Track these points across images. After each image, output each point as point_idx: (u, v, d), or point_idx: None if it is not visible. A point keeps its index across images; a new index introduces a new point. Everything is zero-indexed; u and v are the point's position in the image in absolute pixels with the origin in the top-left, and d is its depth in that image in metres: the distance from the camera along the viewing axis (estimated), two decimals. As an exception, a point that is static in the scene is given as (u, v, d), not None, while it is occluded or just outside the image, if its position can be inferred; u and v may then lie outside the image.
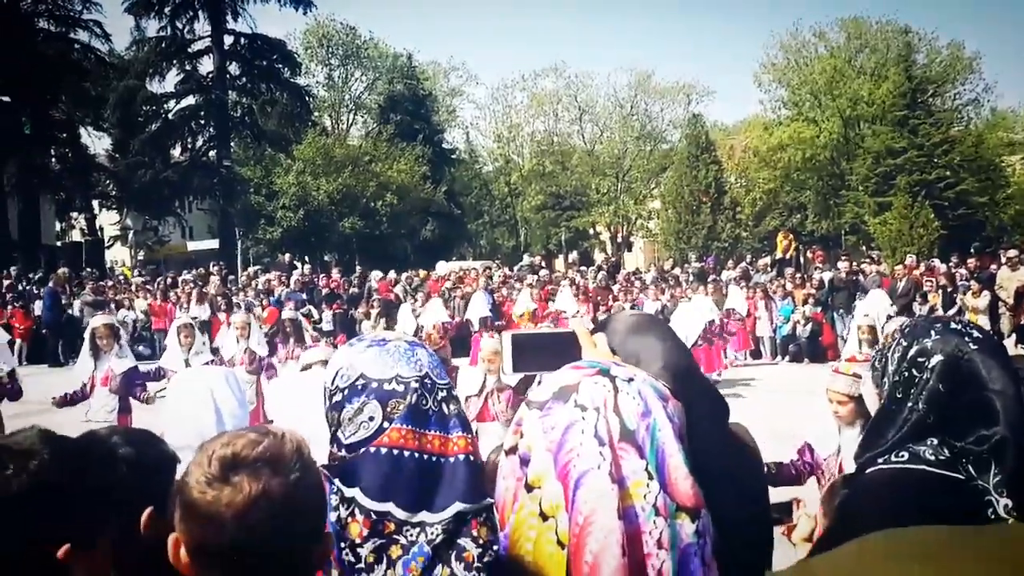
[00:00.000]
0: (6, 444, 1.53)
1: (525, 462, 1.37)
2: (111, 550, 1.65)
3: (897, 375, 1.87)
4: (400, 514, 1.64)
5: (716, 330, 16.15)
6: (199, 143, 38.85)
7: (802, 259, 30.87)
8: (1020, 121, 44.99)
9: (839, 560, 1.07)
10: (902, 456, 1.81)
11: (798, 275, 21.86)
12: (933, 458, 1.78)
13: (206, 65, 38.27)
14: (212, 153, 38.23)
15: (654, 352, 1.79)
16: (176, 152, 38.92)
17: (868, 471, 1.85)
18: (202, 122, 38.55)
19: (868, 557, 1.03)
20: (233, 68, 38.80)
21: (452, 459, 1.69)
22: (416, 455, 1.68)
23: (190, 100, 38.35)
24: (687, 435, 1.62)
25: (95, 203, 38.39)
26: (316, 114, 43.34)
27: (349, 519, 1.63)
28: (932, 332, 1.86)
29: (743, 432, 1.97)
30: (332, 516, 1.63)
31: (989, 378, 1.78)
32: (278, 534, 1.33)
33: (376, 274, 24.90)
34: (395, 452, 1.67)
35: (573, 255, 34.42)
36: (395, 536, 1.63)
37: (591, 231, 46.80)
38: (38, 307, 20.97)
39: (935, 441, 1.79)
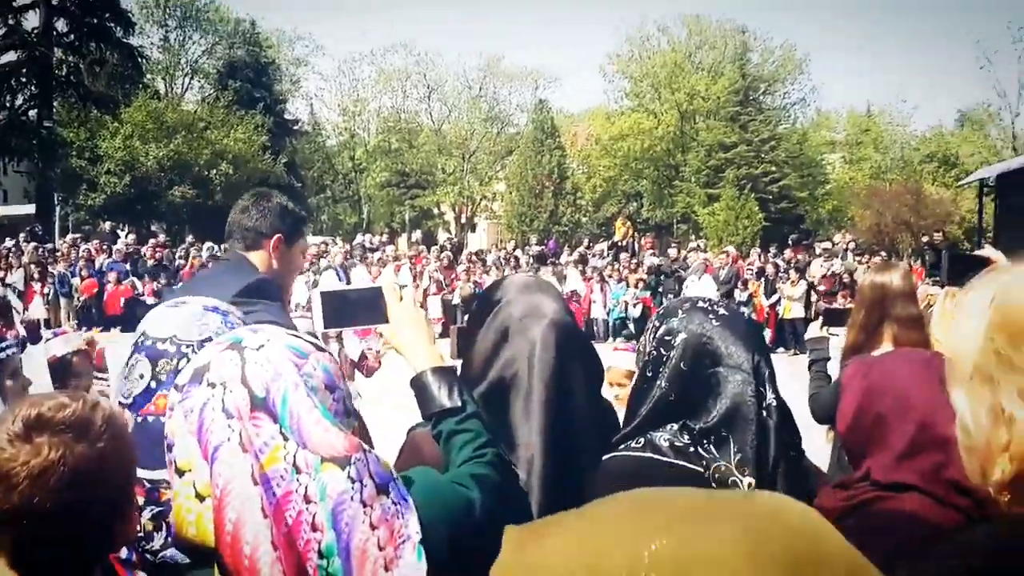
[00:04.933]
0: None
1: (171, 448, 1.36)
2: None
3: (647, 355, 1.87)
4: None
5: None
6: (19, 102, 36.15)
7: (636, 246, 31.96)
8: (842, 122, 48.09)
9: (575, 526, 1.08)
10: (639, 443, 1.80)
11: (632, 260, 22.58)
12: (667, 445, 1.76)
13: (31, 20, 35.70)
14: (32, 113, 35.64)
15: (549, 307, 1.91)
16: (-7, 110, 36.12)
17: (605, 458, 1.84)
18: (23, 80, 35.91)
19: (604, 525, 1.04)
20: (60, 24, 36.30)
21: None
22: None
23: (11, 56, 35.61)
24: (570, 382, 1.83)
25: None
26: (149, 76, 41.14)
27: None
28: (680, 311, 1.86)
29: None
30: None
31: (726, 354, 1.78)
32: (74, 503, 1.30)
33: (210, 246, 23.88)
34: (163, 419, 1.62)
35: (417, 234, 34.29)
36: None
37: (436, 211, 46.70)
38: None
39: (675, 426, 1.78)
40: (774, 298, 18.74)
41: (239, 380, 1.33)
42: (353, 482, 1.31)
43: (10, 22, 35.49)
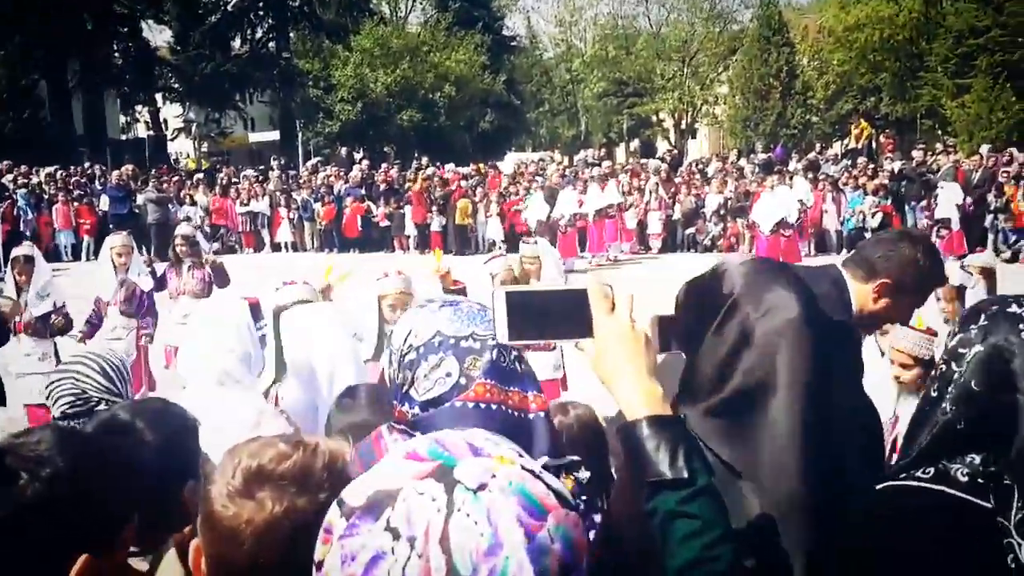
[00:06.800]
0: (19, 449, 1.43)
1: None
2: (133, 539, 1.60)
3: (936, 369, 1.53)
4: None
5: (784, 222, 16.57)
6: (258, 35, 38.83)
7: (874, 144, 29.66)
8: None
9: None
10: (928, 472, 1.46)
11: (870, 166, 21.00)
12: (966, 480, 1.42)
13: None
14: (271, 45, 38.23)
15: (791, 300, 1.61)
16: (236, 44, 38.86)
17: (886, 485, 1.52)
18: (261, 13, 38.45)
19: None
20: (289, -44, 38.23)
21: (532, 415, 1.71)
22: (502, 408, 1.68)
23: (247, -9, 38.05)
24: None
25: (158, 96, 38.77)
26: (374, 2, 42.50)
27: None
28: (983, 315, 1.48)
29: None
30: None
31: None
32: (299, 555, 1.21)
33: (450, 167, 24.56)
34: (482, 406, 1.67)
35: (635, 144, 33.73)
36: None
37: (654, 119, 45.58)
38: (104, 202, 21.42)
39: (977, 459, 1.42)
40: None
41: (437, 539, 0.91)
42: None
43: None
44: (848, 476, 1.59)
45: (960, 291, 4.26)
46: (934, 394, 1.50)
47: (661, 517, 1.25)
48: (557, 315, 1.39)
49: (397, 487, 0.95)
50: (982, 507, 1.38)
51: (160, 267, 8.60)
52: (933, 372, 1.55)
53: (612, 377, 1.35)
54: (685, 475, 1.25)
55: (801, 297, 1.63)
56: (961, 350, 1.47)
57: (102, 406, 2.76)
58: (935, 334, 3.77)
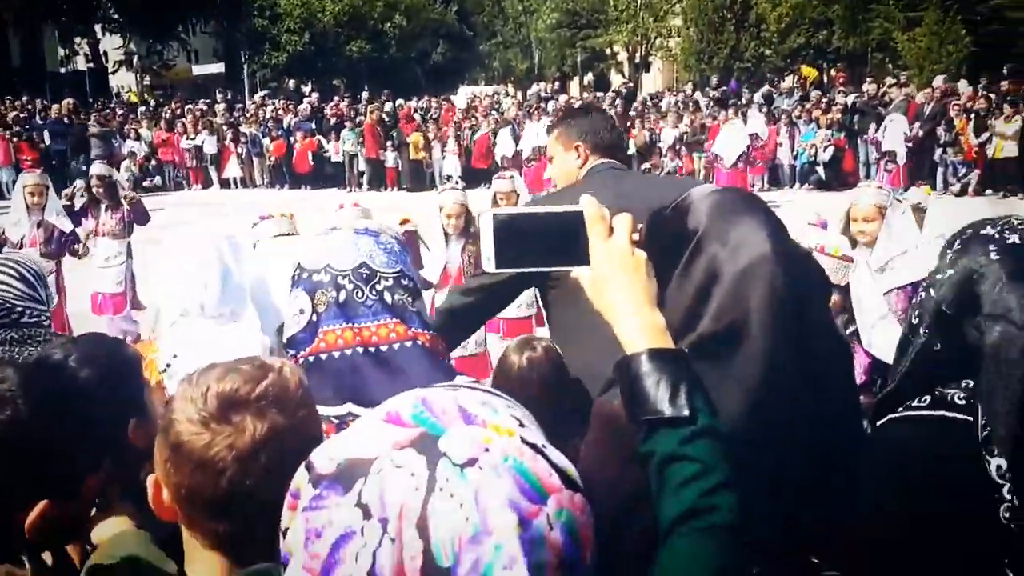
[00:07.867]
0: None
1: (285, 564, 0.85)
2: (98, 487, 1.55)
3: (917, 296, 1.56)
4: (361, 411, 1.56)
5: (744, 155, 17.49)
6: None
7: (825, 79, 29.68)
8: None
9: None
10: (924, 401, 1.48)
11: (824, 99, 21.06)
12: (964, 403, 1.42)
13: None
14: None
15: (760, 235, 1.45)
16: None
17: (887, 420, 1.53)
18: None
19: None
20: None
21: (405, 344, 1.60)
22: (360, 350, 1.59)
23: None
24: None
25: (97, 28, 37.27)
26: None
27: None
28: (957, 241, 1.51)
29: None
30: None
31: (994, 297, 1.39)
32: (282, 478, 1.14)
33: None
34: (335, 355, 1.59)
35: (588, 77, 33.31)
36: None
37: (608, 52, 45.01)
38: (46, 137, 20.71)
39: (972, 383, 1.43)
40: (984, 136, 17.11)
41: (413, 522, 0.76)
42: None
43: None
44: (831, 422, 1.49)
45: (881, 211, 4.19)
46: (915, 320, 1.54)
47: (657, 460, 1.11)
48: (550, 240, 1.24)
49: (372, 455, 0.81)
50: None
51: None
52: (914, 299, 1.59)
53: (610, 308, 1.22)
54: (686, 413, 1.12)
55: (771, 230, 1.48)
56: (938, 276, 1.51)
57: (26, 317, 2.63)
58: (851, 260, 3.81)
